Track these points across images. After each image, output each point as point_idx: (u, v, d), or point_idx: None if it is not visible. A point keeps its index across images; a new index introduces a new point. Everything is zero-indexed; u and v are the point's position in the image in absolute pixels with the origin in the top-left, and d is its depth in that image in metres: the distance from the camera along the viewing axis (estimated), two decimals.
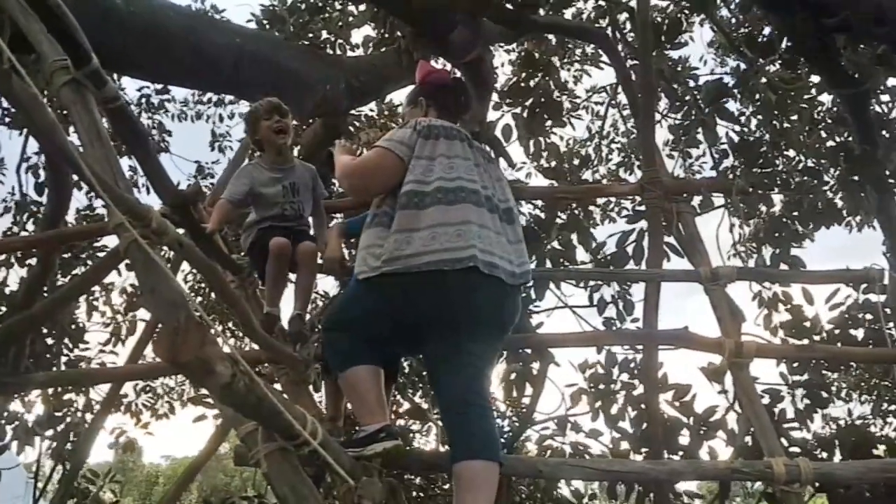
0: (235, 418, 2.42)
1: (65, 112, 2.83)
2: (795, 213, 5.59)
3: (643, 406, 4.90)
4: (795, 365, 5.35)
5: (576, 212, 5.25)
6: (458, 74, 4.09)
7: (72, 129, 3.21)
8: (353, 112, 7.09)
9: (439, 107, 3.12)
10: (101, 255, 6.54)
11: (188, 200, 3.74)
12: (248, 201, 3.91)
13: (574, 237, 4.95)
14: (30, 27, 2.73)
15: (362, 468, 2.89)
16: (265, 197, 3.90)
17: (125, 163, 5.77)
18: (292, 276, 3.91)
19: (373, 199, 2.99)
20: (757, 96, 5.70)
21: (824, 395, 5.39)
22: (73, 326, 6.31)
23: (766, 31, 6.23)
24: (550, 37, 6.62)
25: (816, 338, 5.15)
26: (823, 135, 7.10)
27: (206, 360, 1.69)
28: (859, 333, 4.98)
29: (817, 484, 3.63)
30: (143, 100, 9.16)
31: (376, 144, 2.93)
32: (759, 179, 5.16)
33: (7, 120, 8.20)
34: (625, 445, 5.38)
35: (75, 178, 5.44)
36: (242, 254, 4.04)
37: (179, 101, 9.66)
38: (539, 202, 5.43)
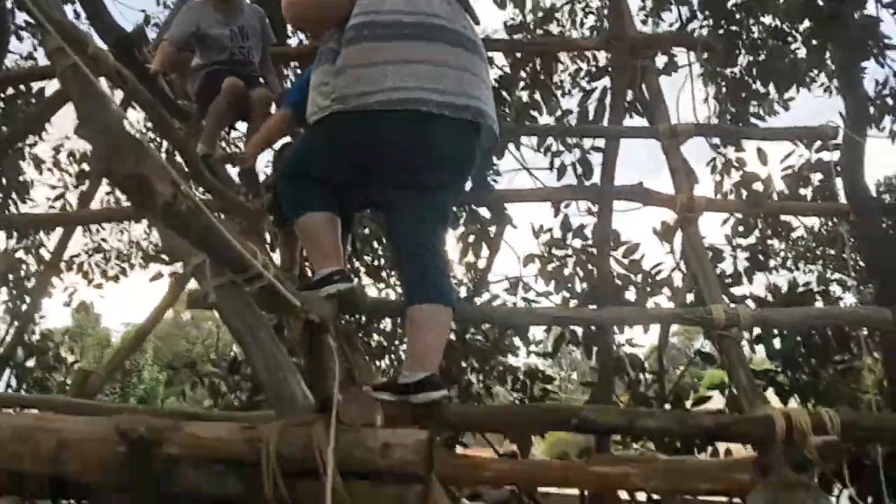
0: (184, 249, 2.39)
1: None
2: (757, 73, 5.53)
3: (593, 266, 5.01)
4: (741, 229, 5.50)
5: (538, 71, 5.11)
6: None
7: None
8: None
9: None
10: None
11: (132, 42, 3.56)
12: (193, 44, 3.72)
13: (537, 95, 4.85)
14: None
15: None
16: (212, 39, 3.72)
17: (68, 9, 5.41)
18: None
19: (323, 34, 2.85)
20: None
21: (762, 258, 5.58)
22: (20, 182, 6.12)
23: None
24: None
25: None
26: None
27: (144, 177, 1.63)
28: (809, 196, 5.08)
29: (756, 330, 3.81)
30: None
31: None
32: (725, 38, 5.06)
33: None
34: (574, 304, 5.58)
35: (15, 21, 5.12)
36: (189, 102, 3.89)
37: None
38: (503, 61, 5.29)
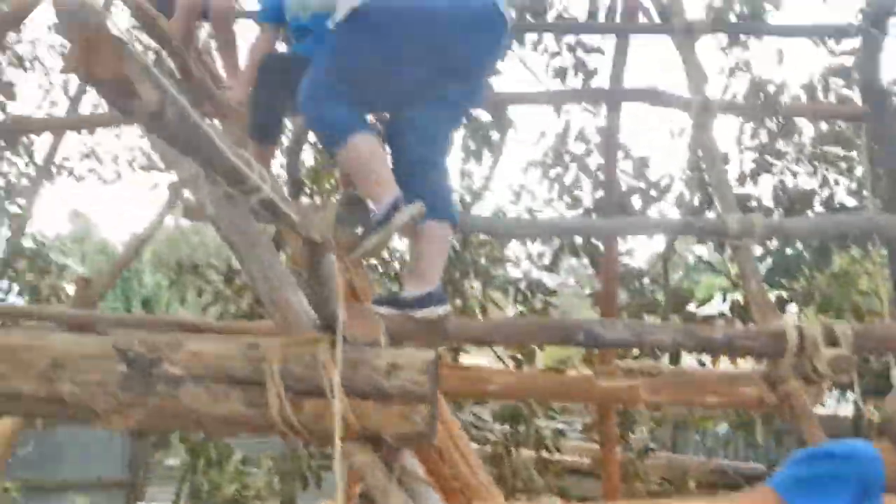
0: (175, 161, 2.27)
1: None
2: None
3: (599, 173, 4.89)
4: (750, 135, 5.35)
5: None
6: None
7: None
8: None
9: None
10: None
11: None
12: None
13: None
14: None
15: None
16: None
17: None
18: None
19: None
20: None
21: (769, 160, 5.47)
22: (2, 79, 5.91)
23: None
24: None
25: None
26: None
27: (126, 78, 1.48)
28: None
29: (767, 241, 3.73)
30: None
31: None
32: None
33: None
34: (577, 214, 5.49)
35: None
36: None
37: None
38: None
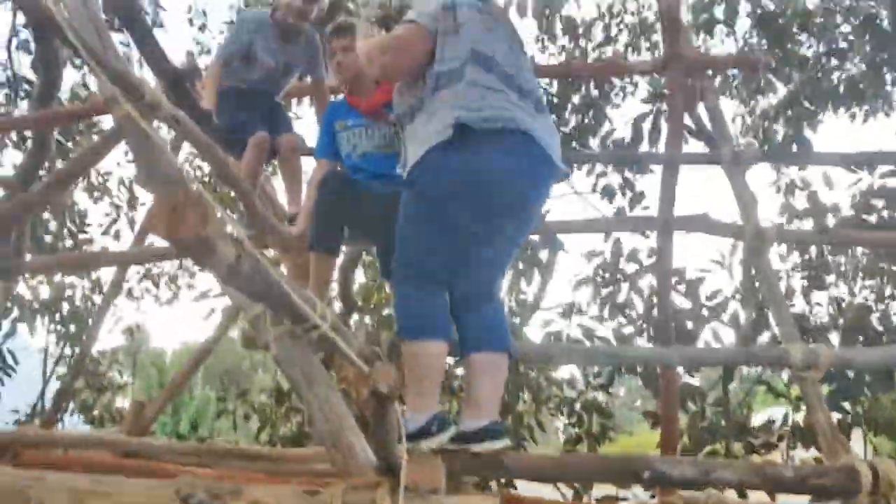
0: (242, 301, 2.34)
1: None
2: (810, 93, 5.34)
3: (653, 295, 4.86)
4: (801, 253, 5.31)
5: (591, 93, 5.00)
6: None
7: None
8: None
9: None
10: (97, 135, 6.38)
11: (185, 77, 3.54)
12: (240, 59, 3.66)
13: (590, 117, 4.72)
14: None
15: (371, 352, 2.86)
16: (256, 63, 3.66)
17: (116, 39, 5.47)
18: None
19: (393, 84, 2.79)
20: None
21: (825, 277, 5.38)
22: (74, 210, 6.22)
23: None
24: None
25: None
26: (839, 19, 6.75)
27: (208, 240, 1.57)
28: (870, 221, 4.87)
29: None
30: None
31: (404, 21, 2.73)
32: (782, 57, 4.89)
33: None
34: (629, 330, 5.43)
35: (66, 52, 5.18)
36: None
37: None
38: (551, 84, 5.19)
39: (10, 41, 7.64)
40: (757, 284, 4.64)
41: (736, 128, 6.92)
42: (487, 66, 2.59)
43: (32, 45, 7.44)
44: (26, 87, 7.46)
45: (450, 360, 2.97)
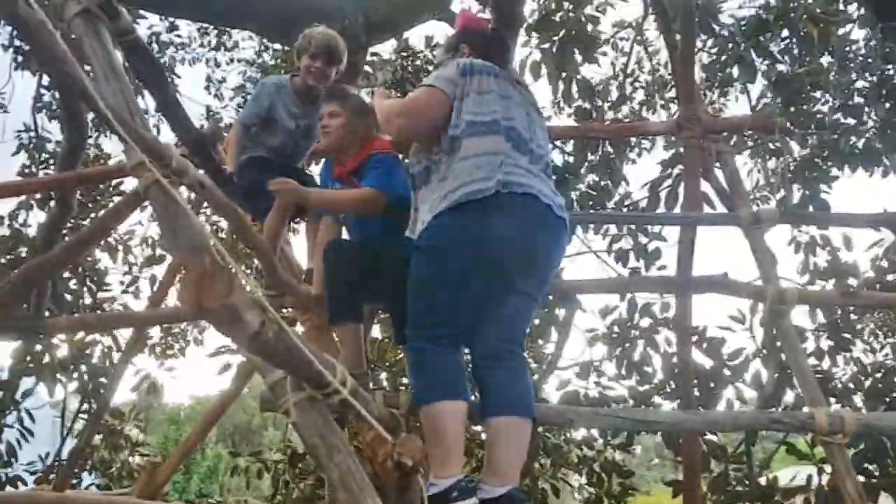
0: (263, 366, 2.34)
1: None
2: (826, 154, 5.37)
3: (672, 354, 4.81)
4: (824, 314, 5.24)
5: (607, 152, 5.05)
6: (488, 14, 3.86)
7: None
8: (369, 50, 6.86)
9: (479, 54, 2.94)
10: (118, 196, 6.48)
11: (207, 141, 3.61)
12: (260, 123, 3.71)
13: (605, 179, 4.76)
14: None
15: (391, 416, 2.83)
16: (276, 126, 3.71)
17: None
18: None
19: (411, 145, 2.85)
20: (793, 30, 5.40)
21: (848, 336, 5.30)
22: (94, 269, 6.28)
23: None
24: None
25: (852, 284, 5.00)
26: (854, 76, 6.83)
27: (234, 308, 1.58)
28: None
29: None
30: (154, 37, 8.95)
31: (420, 85, 2.81)
32: (797, 117, 4.93)
33: (19, 59, 8.07)
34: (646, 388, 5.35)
35: (91, 116, 5.31)
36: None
37: (177, 45, 9.44)
38: (566, 144, 5.25)
39: (35, 104, 7.87)
40: (778, 344, 4.59)
41: (751, 184, 6.97)
42: (500, 132, 2.65)
43: (55, 107, 7.69)
44: (49, 147, 7.67)
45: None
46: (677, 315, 4.27)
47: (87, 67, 2.48)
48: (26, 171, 7.51)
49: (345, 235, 3.48)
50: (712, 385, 5.01)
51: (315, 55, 3.56)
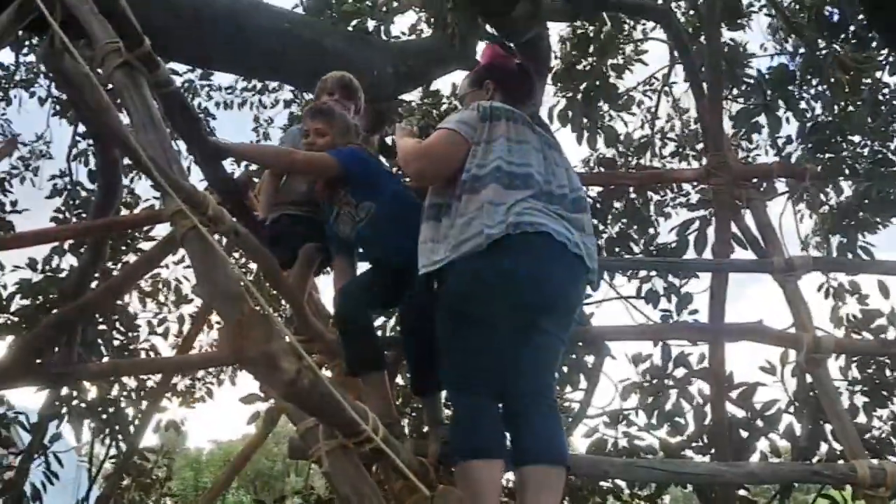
0: (294, 413, 2.33)
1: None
2: (865, 201, 5.30)
3: (704, 403, 4.72)
4: (854, 362, 5.12)
5: (634, 199, 5.05)
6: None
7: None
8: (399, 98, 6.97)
9: (504, 91, 2.96)
10: (144, 240, 6.59)
11: (241, 188, 3.67)
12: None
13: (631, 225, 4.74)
14: (80, 8, 2.65)
15: (420, 464, 2.79)
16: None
17: None
18: None
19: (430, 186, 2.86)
20: (823, 78, 5.40)
21: (885, 393, 5.16)
22: (124, 313, 6.34)
23: (827, 11, 5.92)
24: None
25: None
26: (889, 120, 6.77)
27: (272, 356, 1.59)
28: None
29: None
30: (187, 84, 9.15)
31: (440, 126, 2.81)
32: (828, 165, 4.90)
33: (57, 107, 8.31)
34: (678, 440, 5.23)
35: (126, 162, 5.43)
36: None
37: (225, 88, 9.66)
38: (594, 190, 5.25)
39: (70, 151, 8.07)
40: (812, 394, 4.49)
41: (786, 232, 6.89)
42: (517, 178, 2.65)
43: (90, 155, 7.87)
44: (83, 194, 7.82)
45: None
46: (710, 363, 4.21)
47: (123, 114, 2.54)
48: (60, 216, 7.65)
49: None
50: (745, 436, 4.90)
51: (332, 91, 3.61)
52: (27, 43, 7.95)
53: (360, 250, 3.35)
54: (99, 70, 2.58)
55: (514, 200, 2.58)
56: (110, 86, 2.59)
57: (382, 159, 4.10)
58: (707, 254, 4.59)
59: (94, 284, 5.34)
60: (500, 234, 2.50)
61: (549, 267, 2.55)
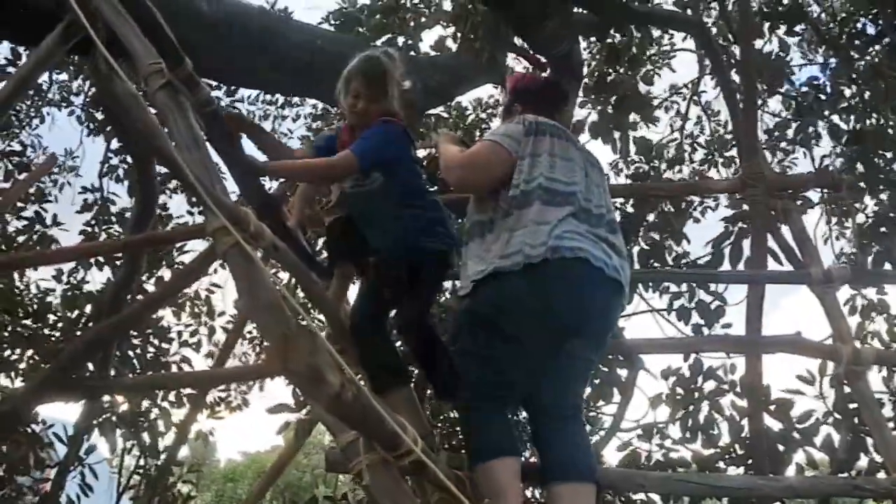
0: (335, 427, 2.35)
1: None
2: None
3: (741, 416, 4.66)
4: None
5: (666, 210, 5.02)
6: (547, 72, 3.91)
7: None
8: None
9: (536, 108, 2.97)
10: (182, 253, 6.68)
11: (277, 203, 3.72)
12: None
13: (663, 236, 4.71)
14: (122, 29, 2.71)
15: (456, 477, 2.80)
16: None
17: None
18: None
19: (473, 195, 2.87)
20: (859, 88, 5.34)
21: None
22: (157, 326, 6.42)
23: (860, 24, 5.86)
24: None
25: None
26: None
27: (317, 369, 1.61)
28: None
29: None
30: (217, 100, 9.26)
31: (484, 139, 2.83)
32: (866, 175, 4.84)
33: (90, 125, 8.46)
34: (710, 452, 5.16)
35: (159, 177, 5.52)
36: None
37: (248, 101, 9.77)
38: (626, 200, 5.23)
39: (102, 168, 8.21)
40: (851, 406, 4.42)
41: (820, 242, 6.79)
42: (559, 195, 2.65)
43: (123, 171, 8.02)
44: (113, 209, 7.96)
45: None
46: (747, 376, 4.16)
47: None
48: (90, 229, 7.78)
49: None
50: (781, 449, 4.83)
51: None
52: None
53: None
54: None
55: (556, 220, 2.58)
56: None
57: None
58: (742, 266, 4.54)
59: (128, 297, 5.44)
60: (539, 257, 2.50)
61: (584, 294, 2.55)
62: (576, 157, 2.80)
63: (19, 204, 6.96)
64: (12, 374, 6.13)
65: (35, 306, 6.12)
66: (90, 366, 5.09)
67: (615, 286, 2.62)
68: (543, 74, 3.17)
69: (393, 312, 2.95)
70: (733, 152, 6.73)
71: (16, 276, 6.15)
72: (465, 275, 2.70)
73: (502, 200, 2.67)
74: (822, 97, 5.09)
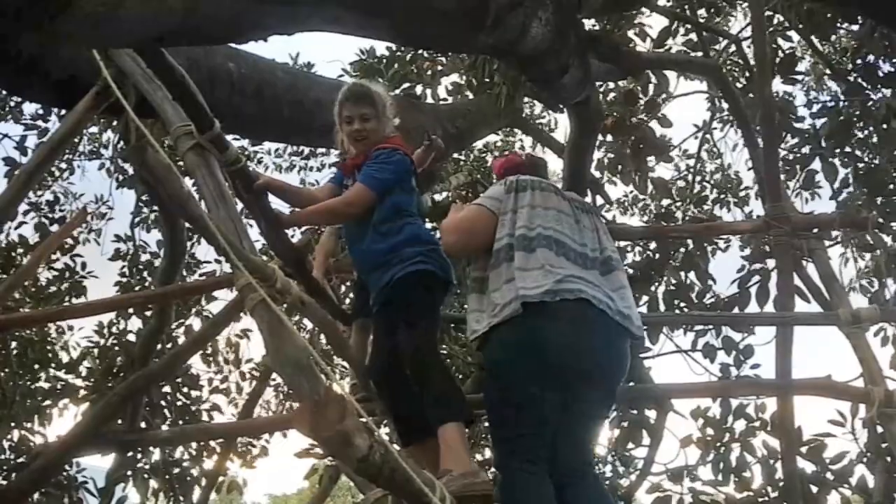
0: (363, 483, 2.36)
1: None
2: None
3: (774, 460, 4.58)
4: None
5: (690, 251, 5.00)
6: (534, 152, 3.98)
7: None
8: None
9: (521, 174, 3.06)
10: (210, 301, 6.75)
11: (302, 255, 3.78)
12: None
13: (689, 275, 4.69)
14: (153, 94, 2.81)
15: None
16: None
17: None
18: None
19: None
20: (875, 125, 5.31)
21: None
22: (186, 374, 6.49)
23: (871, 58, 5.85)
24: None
25: None
26: None
27: (347, 434, 1.64)
28: None
29: None
30: (240, 150, 9.45)
31: (471, 203, 2.93)
32: (884, 210, 4.81)
33: (120, 178, 8.65)
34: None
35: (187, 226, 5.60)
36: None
37: (274, 152, 9.94)
38: (646, 242, 5.23)
39: (133, 219, 8.38)
40: (884, 446, 4.33)
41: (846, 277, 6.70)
42: (547, 244, 2.69)
43: (153, 221, 8.18)
44: (143, 258, 8.10)
45: None
46: (779, 418, 4.09)
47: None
48: (124, 279, 7.90)
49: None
50: (815, 490, 4.73)
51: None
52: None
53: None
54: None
55: (550, 266, 2.61)
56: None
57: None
58: (769, 306, 4.50)
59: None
60: (537, 298, 2.52)
61: (588, 335, 2.55)
62: (562, 206, 2.86)
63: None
64: (45, 423, 6.23)
65: (70, 356, 6.23)
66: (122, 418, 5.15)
67: (619, 330, 2.61)
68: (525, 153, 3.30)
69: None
70: (746, 190, 6.78)
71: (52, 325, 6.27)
72: (469, 324, 2.74)
73: (492, 256, 2.72)
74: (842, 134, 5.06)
